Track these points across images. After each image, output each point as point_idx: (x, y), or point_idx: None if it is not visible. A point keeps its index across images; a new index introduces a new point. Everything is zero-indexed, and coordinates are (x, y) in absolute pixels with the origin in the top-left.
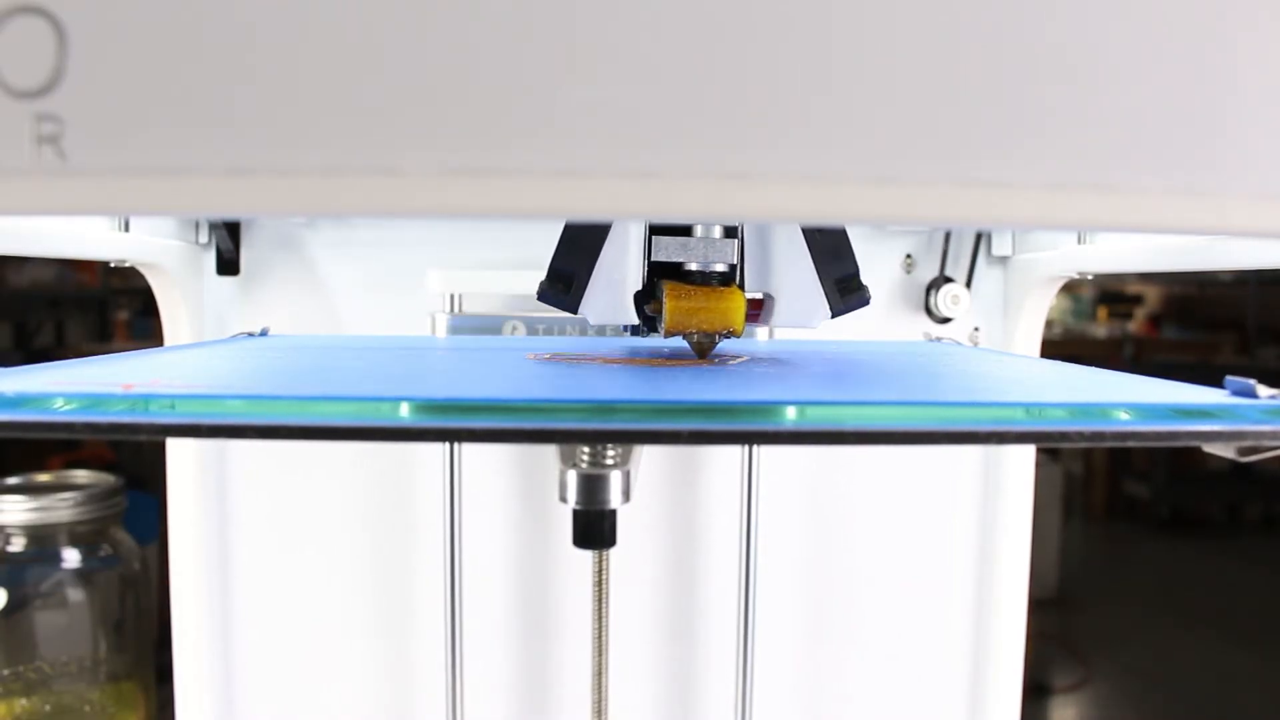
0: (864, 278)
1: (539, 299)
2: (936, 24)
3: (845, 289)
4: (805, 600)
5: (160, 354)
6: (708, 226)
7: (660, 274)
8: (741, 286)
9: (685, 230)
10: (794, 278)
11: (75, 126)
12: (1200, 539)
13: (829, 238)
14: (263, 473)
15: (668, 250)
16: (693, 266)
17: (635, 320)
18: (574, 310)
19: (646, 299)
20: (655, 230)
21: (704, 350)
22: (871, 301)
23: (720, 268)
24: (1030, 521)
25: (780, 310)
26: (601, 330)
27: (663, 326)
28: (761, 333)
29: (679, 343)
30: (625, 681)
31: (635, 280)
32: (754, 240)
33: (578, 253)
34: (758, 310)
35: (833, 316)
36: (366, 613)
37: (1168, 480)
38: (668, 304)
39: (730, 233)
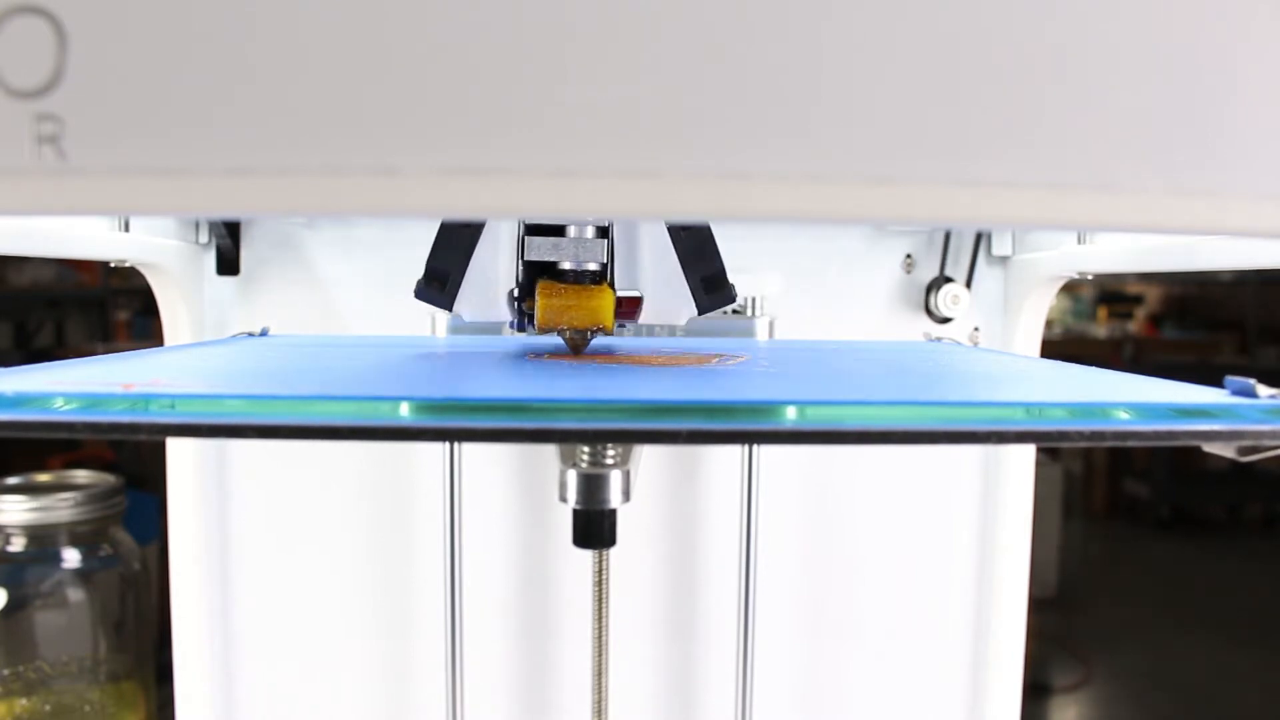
0: (864, 278)
1: (416, 297)
2: (936, 24)
3: (711, 287)
4: (805, 600)
5: (160, 354)
6: (580, 226)
7: (538, 273)
8: (612, 285)
9: (558, 230)
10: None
11: (75, 126)
12: (1200, 539)
13: (694, 237)
14: (263, 472)
15: (540, 250)
16: (566, 265)
17: (507, 316)
18: (449, 308)
19: (525, 296)
20: (529, 230)
21: (577, 346)
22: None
23: (592, 266)
24: (1030, 521)
25: (647, 308)
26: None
27: (535, 323)
28: (761, 332)
29: (679, 342)
30: (625, 681)
31: (508, 278)
32: (623, 240)
33: (451, 252)
34: (634, 308)
35: (699, 314)
36: (366, 612)
37: (1168, 480)
38: (539, 302)
39: (602, 233)
